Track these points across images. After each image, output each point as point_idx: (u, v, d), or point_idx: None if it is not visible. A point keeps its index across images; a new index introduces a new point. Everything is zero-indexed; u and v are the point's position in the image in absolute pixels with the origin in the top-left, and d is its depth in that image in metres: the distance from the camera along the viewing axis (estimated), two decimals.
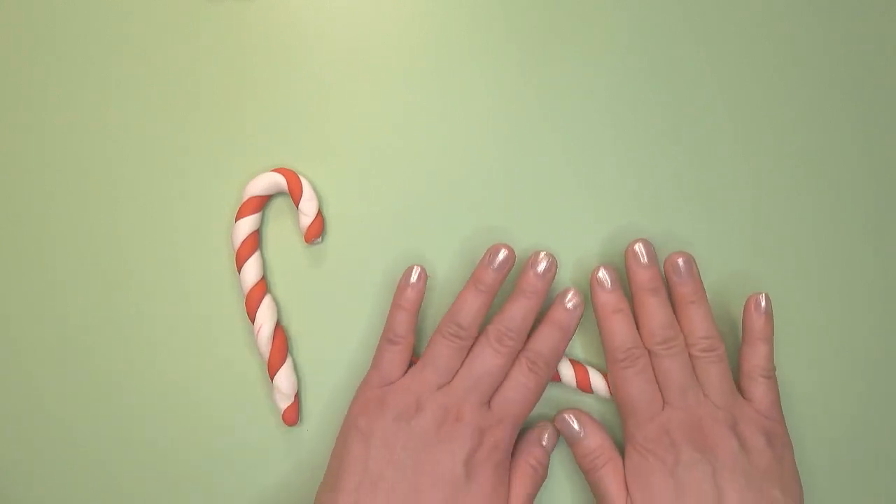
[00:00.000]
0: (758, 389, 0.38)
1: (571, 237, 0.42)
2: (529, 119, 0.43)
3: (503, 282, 0.39)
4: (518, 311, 0.38)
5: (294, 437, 0.41)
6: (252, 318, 0.40)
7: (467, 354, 0.38)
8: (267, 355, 0.40)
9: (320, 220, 0.41)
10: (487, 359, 0.37)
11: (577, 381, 0.40)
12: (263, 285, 0.41)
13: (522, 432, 0.40)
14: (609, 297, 0.38)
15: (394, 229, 0.42)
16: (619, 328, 0.38)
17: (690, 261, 0.39)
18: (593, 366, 0.41)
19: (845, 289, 0.42)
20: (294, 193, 0.41)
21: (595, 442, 0.38)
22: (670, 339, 0.37)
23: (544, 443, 0.39)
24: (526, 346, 0.38)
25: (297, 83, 0.43)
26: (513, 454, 0.39)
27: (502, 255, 0.38)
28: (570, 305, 0.38)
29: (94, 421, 0.41)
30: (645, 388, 0.37)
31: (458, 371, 0.38)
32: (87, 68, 0.43)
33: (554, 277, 0.39)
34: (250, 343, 0.42)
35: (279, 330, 0.41)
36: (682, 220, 0.42)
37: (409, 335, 0.38)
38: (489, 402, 0.38)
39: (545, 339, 0.38)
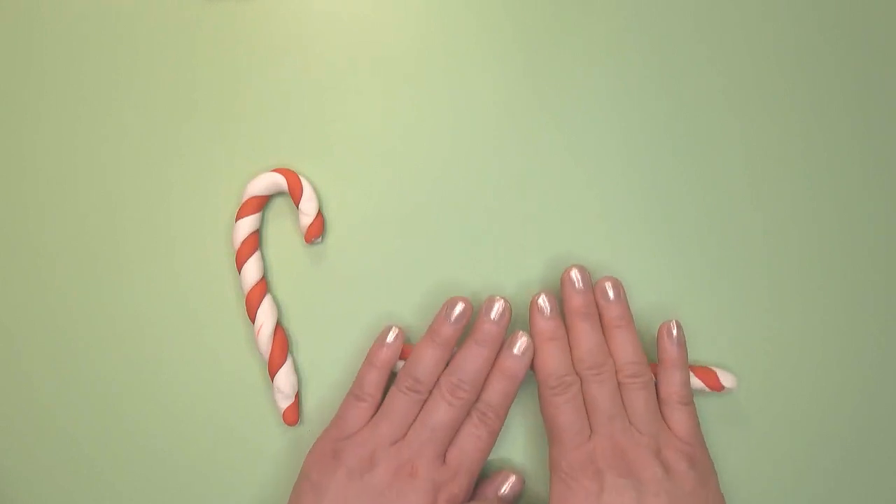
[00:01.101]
0: (676, 416, 0.38)
1: (576, 236, 0.42)
2: (532, 119, 0.43)
3: (461, 334, 0.38)
4: (471, 363, 0.38)
5: (294, 437, 0.41)
6: (252, 318, 0.40)
7: (422, 407, 0.38)
8: (267, 355, 0.40)
9: (320, 220, 0.41)
10: (441, 412, 0.37)
11: None
12: (264, 285, 0.41)
13: (482, 482, 0.39)
14: (547, 325, 0.39)
15: (394, 229, 0.42)
16: (553, 355, 0.38)
17: (618, 285, 0.39)
18: None
19: (846, 288, 0.42)
20: (294, 193, 0.41)
21: None
22: (599, 364, 0.38)
23: (503, 492, 0.39)
24: (478, 398, 0.38)
25: (296, 83, 0.43)
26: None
27: (459, 308, 0.38)
28: (517, 352, 0.38)
29: (93, 421, 0.41)
30: (574, 416, 0.37)
31: (412, 424, 0.37)
32: (87, 68, 0.43)
33: (509, 323, 0.38)
34: (250, 343, 0.41)
35: (279, 330, 0.41)
36: (684, 218, 0.42)
37: (376, 393, 0.38)
38: (444, 454, 0.37)
39: (495, 389, 0.38)
